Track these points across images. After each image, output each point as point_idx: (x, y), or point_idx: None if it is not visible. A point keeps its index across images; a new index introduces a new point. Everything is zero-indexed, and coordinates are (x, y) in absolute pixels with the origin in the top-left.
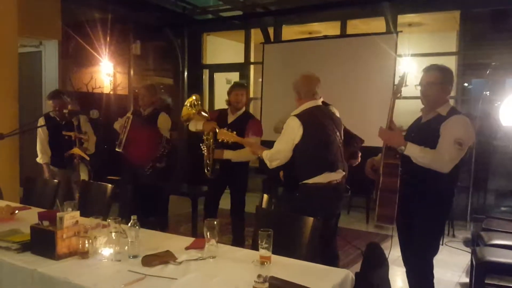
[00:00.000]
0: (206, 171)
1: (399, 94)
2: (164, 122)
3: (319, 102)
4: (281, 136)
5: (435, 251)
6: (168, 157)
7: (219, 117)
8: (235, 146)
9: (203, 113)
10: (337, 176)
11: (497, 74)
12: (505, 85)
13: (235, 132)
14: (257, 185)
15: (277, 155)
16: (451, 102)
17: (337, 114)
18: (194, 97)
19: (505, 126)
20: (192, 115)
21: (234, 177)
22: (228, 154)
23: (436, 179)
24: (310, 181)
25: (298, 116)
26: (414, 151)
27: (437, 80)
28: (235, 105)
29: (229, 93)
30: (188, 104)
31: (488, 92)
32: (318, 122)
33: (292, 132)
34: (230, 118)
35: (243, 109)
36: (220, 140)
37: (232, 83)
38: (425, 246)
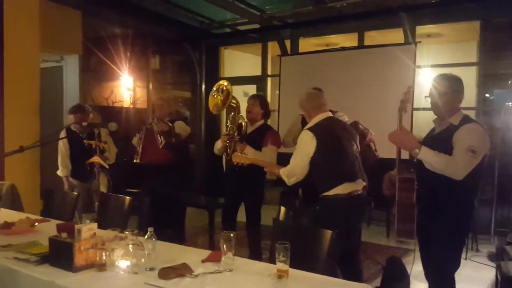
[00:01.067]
0: (225, 156)
1: (404, 110)
2: (180, 126)
3: (329, 113)
4: (296, 151)
5: (456, 266)
6: (177, 137)
7: (240, 128)
8: (257, 146)
9: (233, 102)
10: (357, 186)
11: None
12: None
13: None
14: (274, 198)
15: (293, 170)
16: (472, 113)
17: (346, 119)
18: (225, 83)
19: None
20: (220, 103)
21: (250, 190)
22: (249, 151)
23: (453, 191)
24: (330, 193)
25: (310, 129)
26: (428, 155)
27: (446, 90)
28: (248, 116)
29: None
30: (215, 89)
31: (510, 103)
32: (331, 132)
33: (306, 146)
34: (249, 129)
35: (262, 121)
36: (235, 163)
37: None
38: (446, 261)
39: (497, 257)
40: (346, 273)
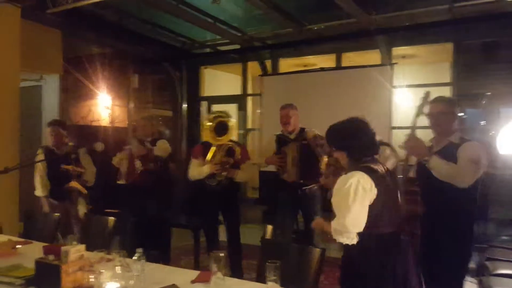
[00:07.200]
0: (209, 180)
1: (421, 114)
2: (162, 146)
3: None
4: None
5: (465, 273)
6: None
7: (205, 149)
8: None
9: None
10: None
11: (491, 104)
12: (499, 114)
13: None
14: (256, 217)
15: None
16: None
17: (316, 133)
18: (229, 120)
19: (503, 155)
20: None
21: (226, 210)
22: (241, 176)
23: (457, 201)
24: None
25: None
26: (438, 163)
27: (446, 110)
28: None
29: None
30: (213, 124)
31: (483, 122)
32: None
33: None
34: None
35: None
36: None
37: None
38: (457, 268)
39: (477, 273)
40: None
